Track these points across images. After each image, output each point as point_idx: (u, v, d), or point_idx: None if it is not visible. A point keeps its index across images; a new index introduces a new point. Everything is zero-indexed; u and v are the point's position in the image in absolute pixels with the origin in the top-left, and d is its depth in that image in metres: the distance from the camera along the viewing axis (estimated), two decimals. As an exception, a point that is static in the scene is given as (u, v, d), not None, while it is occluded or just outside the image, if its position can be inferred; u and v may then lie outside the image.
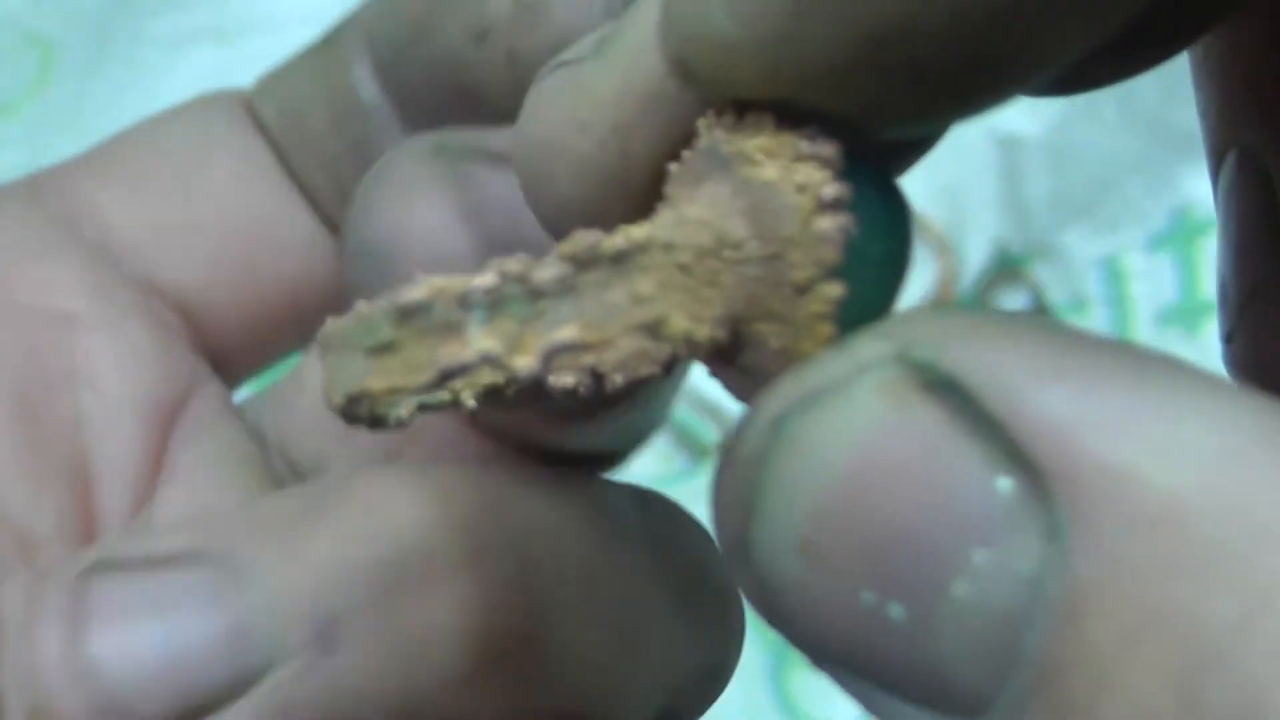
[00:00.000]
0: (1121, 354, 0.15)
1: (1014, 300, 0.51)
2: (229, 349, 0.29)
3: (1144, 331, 0.49)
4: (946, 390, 0.15)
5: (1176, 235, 0.50)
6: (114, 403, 0.27)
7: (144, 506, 0.26)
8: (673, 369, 0.19)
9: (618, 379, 0.19)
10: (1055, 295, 0.51)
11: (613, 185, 0.20)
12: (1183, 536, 0.14)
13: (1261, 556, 0.13)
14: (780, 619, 0.16)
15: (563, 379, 0.19)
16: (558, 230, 0.21)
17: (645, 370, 0.19)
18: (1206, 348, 0.49)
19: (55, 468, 0.26)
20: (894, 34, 0.16)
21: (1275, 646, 0.13)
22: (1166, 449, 0.14)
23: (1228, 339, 0.23)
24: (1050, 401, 0.14)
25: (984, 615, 0.14)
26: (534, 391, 0.17)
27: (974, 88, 0.17)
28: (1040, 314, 0.16)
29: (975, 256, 0.50)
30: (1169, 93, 0.49)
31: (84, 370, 0.27)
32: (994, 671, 0.15)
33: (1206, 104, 0.24)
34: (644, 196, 0.19)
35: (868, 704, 0.16)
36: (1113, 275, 0.50)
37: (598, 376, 0.19)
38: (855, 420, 0.15)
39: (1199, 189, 0.49)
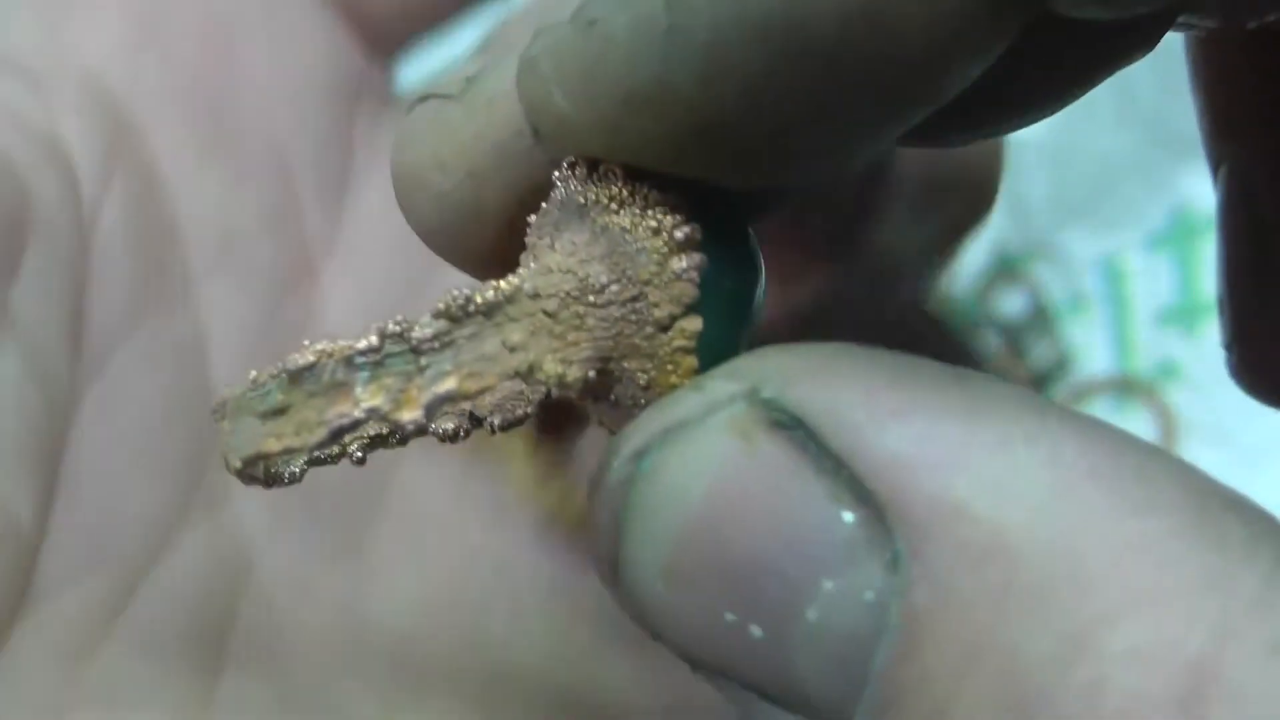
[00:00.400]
0: (962, 387, 0.15)
1: (1013, 300, 0.51)
2: (386, 26, 0.30)
3: (1143, 331, 0.49)
4: (792, 427, 0.16)
5: (1175, 235, 0.50)
6: (297, 92, 0.28)
7: (342, 195, 0.28)
8: (545, 408, 0.21)
9: (495, 421, 0.20)
10: (1054, 294, 0.51)
11: (470, 222, 0.21)
12: (1010, 573, 0.14)
13: (1082, 598, 0.14)
14: (654, 633, 0.17)
15: (444, 424, 0.20)
16: (430, 244, 0.22)
17: (520, 411, 0.20)
18: (1205, 347, 0.48)
19: (249, 163, 0.27)
20: (714, 130, 0.16)
21: (1089, 687, 0.14)
22: (997, 485, 0.15)
23: (1228, 347, 0.24)
24: (888, 439, 0.15)
25: (834, 638, 0.15)
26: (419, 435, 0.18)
27: (795, 174, 0.18)
28: (881, 348, 0.17)
29: (974, 256, 0.51)
30: (1168, 93, 0.49)
31: (261, 66, 0.28)
32: (847, 689, 0.15)
33: (1200, 115, 0.24)
34: (501, 232, 0.20)
35: (747, 706, 0.17)
36: (1112, 275, 0.50)
37: (476, 420, 0.20)
38: (708, 455, 0.16)
39: (1198, 189, 0.49)
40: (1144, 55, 0.18)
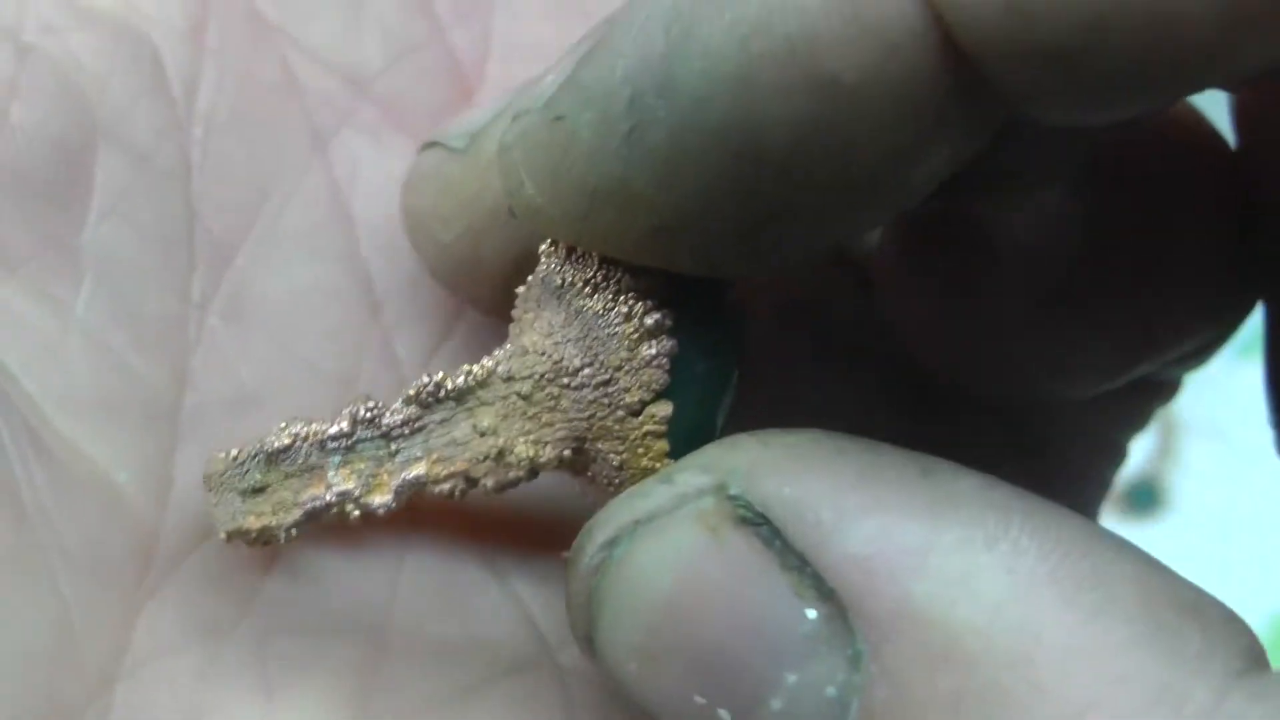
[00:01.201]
0: (928, 482, 0.16)
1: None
2: None
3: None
4: (758, 523, 0.16)
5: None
6: None
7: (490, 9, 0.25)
8: (537, 473, 0.21)
9: (489, 483, 0.21)
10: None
11: (469, 273, 0.21)
12: (965, 677, 0.15)
13: (1034, 705, 0.14)
14: (630, 705, 0.17)
15: (441, 486, 0.20)
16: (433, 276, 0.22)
17: (513, 475, 0.21)
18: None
19: None
20: (676, 230, 0.17)
21: None
22: (956, 588, 0.15)
23: (1275, 425, 0.24)
24: (850, 539, 0.15)
25: None
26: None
27: (758, 267, 0.18)
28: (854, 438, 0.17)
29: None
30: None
31: None
32: None
33: None
34: (499, 283, 0.20)
35: None
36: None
37: (471, 481, 0.21)
38: (676, 548, 0.16)
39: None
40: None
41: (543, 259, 0.19)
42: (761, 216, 0.16)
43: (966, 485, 0.16)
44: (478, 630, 0.21)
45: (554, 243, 0.18)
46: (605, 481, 0.18)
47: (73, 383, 0.19)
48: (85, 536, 0.18)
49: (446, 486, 0.20)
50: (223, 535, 0.19)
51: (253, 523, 0.18)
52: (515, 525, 0.21)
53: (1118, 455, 0.27)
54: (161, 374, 0.20)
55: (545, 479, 0.20)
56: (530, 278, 0.19)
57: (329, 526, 0.20)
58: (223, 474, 0.18)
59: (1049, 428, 0.26)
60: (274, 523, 0.18)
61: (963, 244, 0.23)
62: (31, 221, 0.19)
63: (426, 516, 0.21)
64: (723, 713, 0.16)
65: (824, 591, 0.15)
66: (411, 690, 0.20)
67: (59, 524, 0.18)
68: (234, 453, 0.18)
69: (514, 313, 0.19)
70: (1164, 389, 0.26)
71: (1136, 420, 0.27)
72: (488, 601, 0.21)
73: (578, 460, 0.18)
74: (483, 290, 0.21)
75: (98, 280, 0.20)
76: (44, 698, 0.17)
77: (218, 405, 0.20)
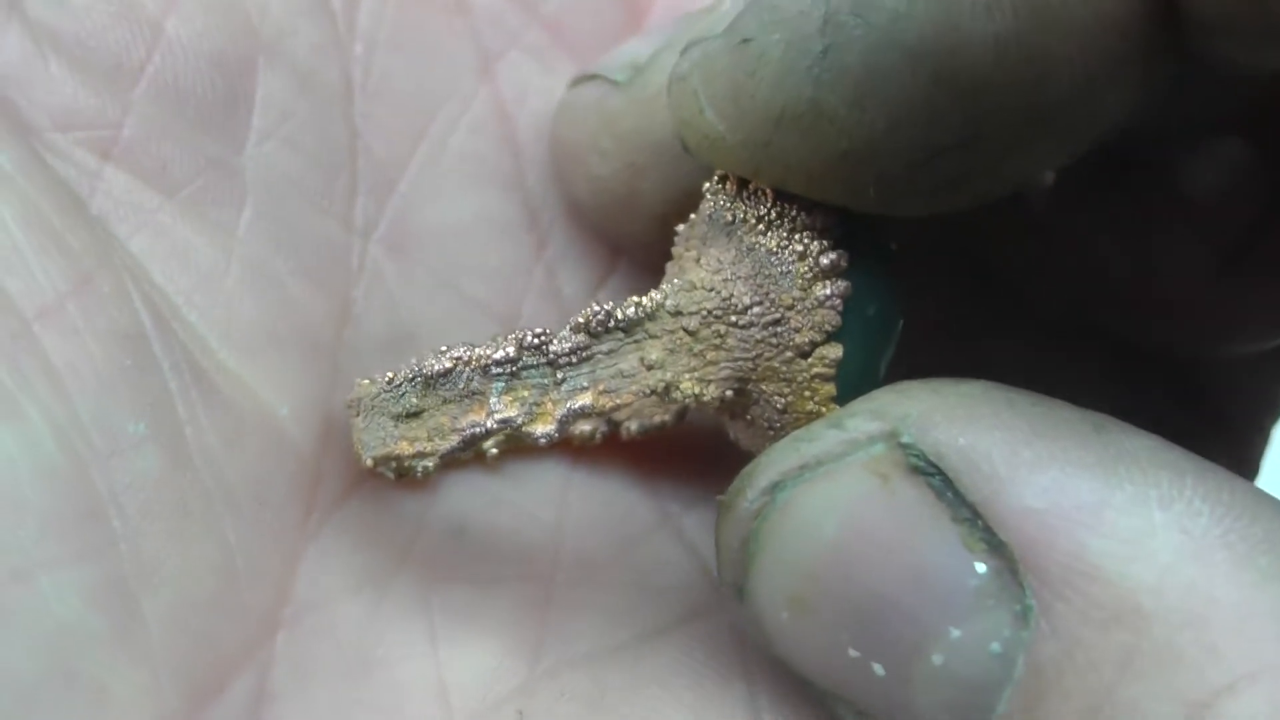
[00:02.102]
0: (1100, 439, 0.15)
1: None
2: None
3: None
4: (930, 473, 0.16)
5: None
6: None
7: None
8: (684, 417, 0.21)
9: (632, 427, 0.21)
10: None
11: (624, 209, 0.21)
12: (1137, 636, 0.14)
13: (1205, 667, 0.14)
14: (775, 655, 0.17)
15: (581, 426, 0.20)
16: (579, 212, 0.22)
17: (658, 419, 0.21)
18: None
19: None
20: (863, 154, 0.16)
21: None
22: (1131, 547, 0.14)
23: None
24: (1025, 492, 0.15)
25: (957, 684, 0.15)
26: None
27: (940, 201, 0.17)
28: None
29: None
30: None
31: None
32: None
33: None
34: (655, 223, 0.20)
35: None
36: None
37: (613, 424, 0.21)
38: (844, 495, 0.16)
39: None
40: None
41: (708, 196, 0.18)
42: (950, 143, 0.16)
43: (1139, 444, 0.15)
44: (650, 576, 0.20)
45: (722, 179, 0.18)
46: (766, 424, 0.18)
47: (235, 313, 0.19)
48: (249, 477, 0.18)
49: (589, 427, 0.20)
50: (368, 461, 0.18)
51: (405, 448, 0.18)
52: (683, 465, 0.21)
53: (1276, 409, 0.26)
54: (323, 305, 0.20)
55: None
56: (693, 215, 0.19)
57: (477, 467, 0.20)
58: (375, 397, 0.18)
59: (1211, 382, 0.25)
60: (429, 448, 0.18)
61: (1143, 193, 0.22)
62: (191, 141, 0.19)
63: (588, 457, 0.21)
64: (877, 667, 0.16)
65: (994, 544, 0.15)
66: (584, 639, 0.19)
67: (224, 465, 0.18)
68: (389, 375, 0.18)
69: (674, 250, 0.19)
70: None
71: None
72: (658, 546, 0.21)
73: (738, 401, 0.18)
74: (636, 227, 0.21)
75: (259, 204, 0.19)
76: (207, 646, 0.17)
77: (377, 341, 0.20)
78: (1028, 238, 0.24)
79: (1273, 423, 0.27)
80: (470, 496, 0.20)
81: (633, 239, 0.21)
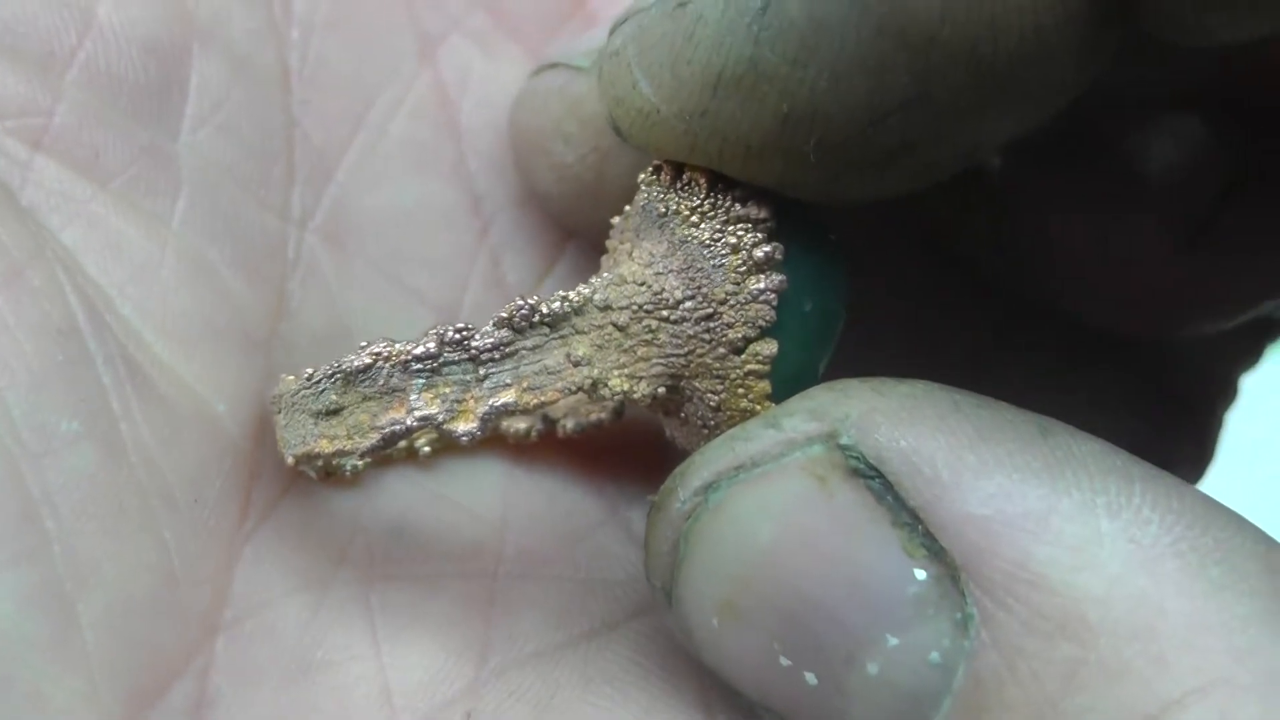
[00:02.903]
0: (1046, 443, 0.15)
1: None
2: None
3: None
4: (870, 476, 0.15)
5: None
6: None
7: None
8: (622, 414, 0.20)
9: (568, 425, 0.20)
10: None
11: (590, 196, 0.20)
12: (1083, 647, 0.14)
13: (1153, 680, 0.13)
14: (703, 662, 0.17)
15: (516, 424, 0.20)
16: (544, 207, 0.21)
17: (595, 417, 0.20)
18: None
19: None
20: (803, 116, 0.15)
21: None
22: (1077, 554, 0.14)
23: None
24: (969, 498, 0.14)
25: (894, 694, 0.15)
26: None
27: (884, 177, 0.16)
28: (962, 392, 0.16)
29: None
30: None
31: None
32: None
33: None
34: (619, 211, 0.19)
35: None
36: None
37: (549, 422, 0.20)
38: (780, 496, 0.15)
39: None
40: None
41: (642, 187, 0.18)
42: (896, 103, 0.15)
43: (1086, 449, 0.15)
44: (597, 571, 0.20)
45: (656, 169, 0.17)
46: (699, 423, 0.17)
47: (170, 306, 0.18)
48: (186, 475, 0.17)
49: (523, 425, 0.20)
50: (290, 459, 0.17)
51: (324, 446, 0.17)
52: (627, 461, 0.20)
53: (1232, 392, 0.26)
54: (259, 298, 0.19)
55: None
56: (627, 207, 0.18)
57: (414, 465, 0.19)
58: (295, 394, 0.17)
59: (1167, 365, 0.24)
60: (348, 446, 0.17)
61: (1100, 171, 0.22)
62: (124, 129, 0.18)
63: (529, 454, 0.20)
64: (809, 676, 0.15)
65: (935, 551, 0.15)
66: (531, 638, 0.19)
67: (160, 462, 0.17)
68: (309, 372, 0.17)
69: (609, 243, 0.18)
70: (1277, 326, 0.25)
71: (1250, 357, 0.26)
72: (605, 541, 0.20)
73: (671, 399, 0.17)
74: (603, 214, 0.20)
75: (194, 193, 0.19)
76: (145, 650, 0.17)
77: (313, 335, 0.19)
78: (983, 217, 0.23)
79: (1227, 405, 0.26)
80: (408, 494, 0.20)
81: (599, 228, 0.21)
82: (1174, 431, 0.25)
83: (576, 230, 0.21)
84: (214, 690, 0.17)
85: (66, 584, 0.16)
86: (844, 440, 0.15)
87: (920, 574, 0.15)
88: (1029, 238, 0.23)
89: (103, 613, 0.16)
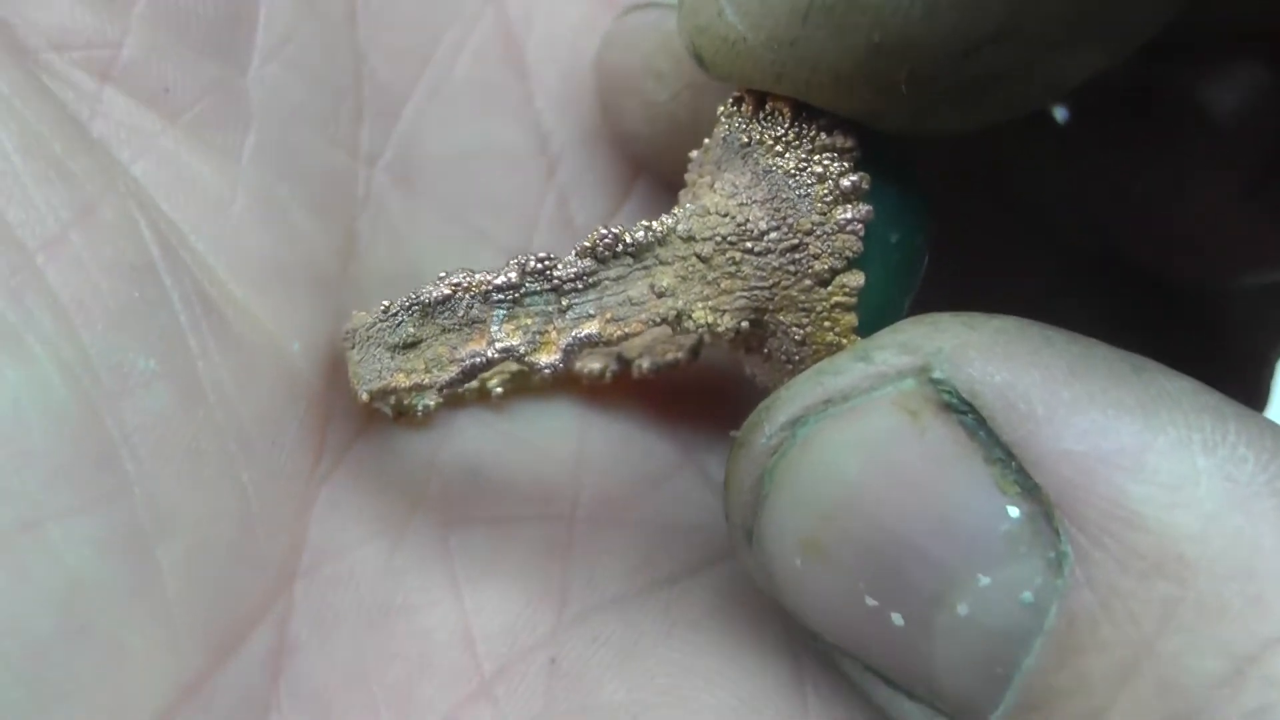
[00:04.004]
0: (1140, 381, 0.14)
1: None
2: None
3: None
4: (963, 411, 0.15)
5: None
6: None
7: None
8: (698, 354, 0.20)
9: (644, 365, 0.19)
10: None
11: (681, 134, 0.19)
12: (1180, 586, 0.14)
13: (1251, 619, 0.13)
14: (782, 603, 0.16)
15: (590, 364, 0.19)
16: (629, 149, 0.21)
17: (671, 357, 0.20)
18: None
19: None
20: (896, 46, 0.15)
21: (1254, 713, 0.13)
22: (1173, 493, 0.14)
23: None
24: (1064, 434, 0.14)
25: (983, 635, 0.15)
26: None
27: (974, 105, 0.16)
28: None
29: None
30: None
31: None
32: (989, 686, 0.15)
33: None
34: None
35: (863, 688, 0.17)
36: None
37: (624, 362, 0.20)
38: (871, 432, 0.15)
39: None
40: None
41: (723, 119, 0.17)
42: (989, 35, 0.15)
43: (1179, 386, 0.15)
44: (675, 516, 0.19)
45: (737, 100, 0.17)
46: (784, 357, 0.17)
47: (243, 244, 0.18)
48: (262, 416, 0.17)
49: (599, 366, 0.19)
50: (364, 395, 0.17)
51: (401, 380, 0.17)
52: (702, 406, 0.20)
53: None
54: (328, 238, 0.19)
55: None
56: (706, 140, 0.18)
57: (486, 407, 0.19)
58: (371, 327, 0.17)
59: (1223, 309, 0.24)
60: (426, 380, 0.17)
61: (1166, 118, 0.22)
62: (192, 63, 0.18)
63: (602, 397, 0.20)
64: (895, 616, 0.15)
65: (1029, 488, 0.14)
66: (611, 583, 0.18)
67: (236, 403, 0.17)
68: (385, 304, 0.17)
69: (687, 176, 0.18)
70: None
71: None
72: (683, 485, 0.20)
73: (754, 333, 0.17)
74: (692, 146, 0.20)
75: (263, 128, 0.18)
76: (224, 598, 0.16)
77: (382, 275, 0.19)
78: (1051, 164, 0.23)
79: (1278, 352, 0.26)
80: (482, 435, 0.19)
81: (682, 168, 0.20)
82: (1227, 377, 0.25)
83: (665, 173, 0.21)
84: (293, 637, 0.17)
85: (145, 529, 0.16)
86: (936, 374, 0.15)
87: (1013, 511, 0.14)
88: (1094, 183, 0.22)
89: (182, 559, 0.16)
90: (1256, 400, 0.25)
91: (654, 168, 0.21)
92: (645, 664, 0.18)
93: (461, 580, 0.18)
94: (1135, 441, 0.14)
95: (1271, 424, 0.15)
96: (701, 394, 0.20)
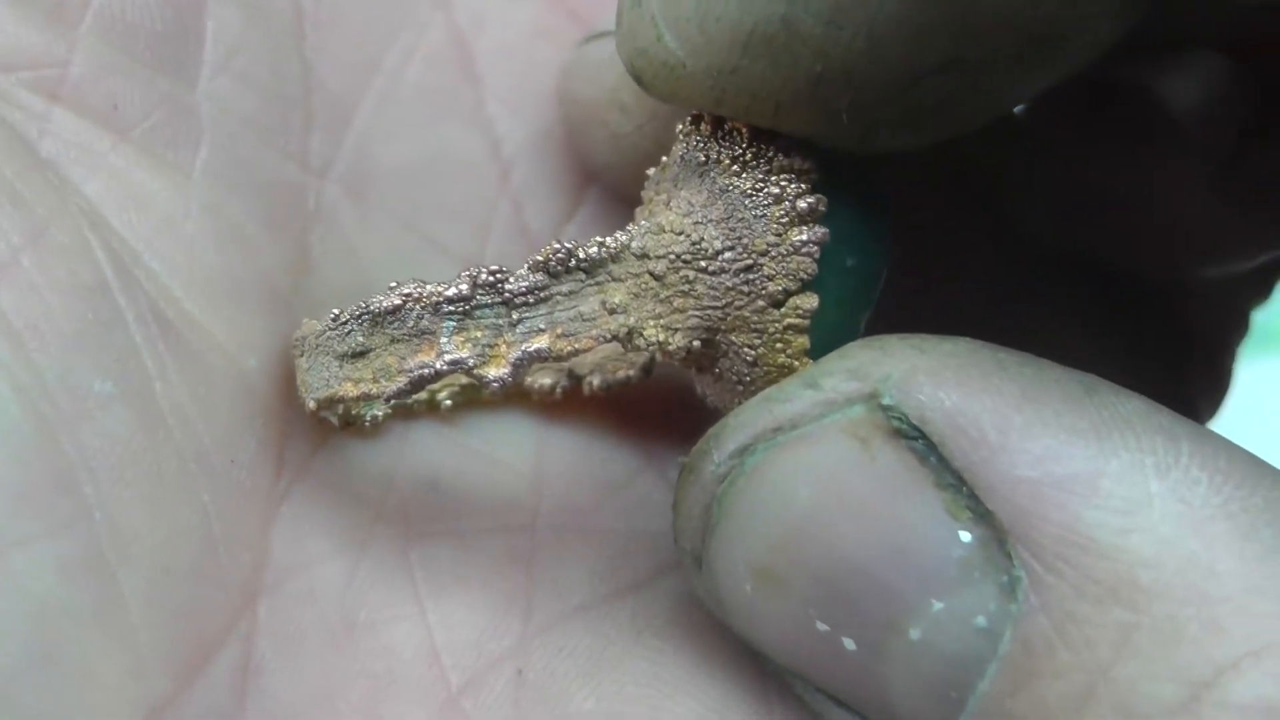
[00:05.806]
0: (1093, 403, 0.14)
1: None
2: None
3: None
4: (913, 437, 0.15)
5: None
6: None
7: None
8: (650, 372, 0.19)
9: (595, 382, 0.19)
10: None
11: (648, 163, 0.19)
12: (1135, 611, 0.13)
13: (1207, 644, 0.13)
14: (732, 627, 0.16)
15: (540, 379, 0.19)
16: (596, 177, 0.21)
17: (622, 375, 0.19)
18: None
19: None
20: (838, 76, 0.15)
21: None
22: (1127, 517, 0.14)
23: None
24: (1017, 461, 0.14)
25: (937, 660, 0.14)
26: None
27: (921, 129, 0.16)
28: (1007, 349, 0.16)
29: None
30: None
31: None
32: (943, 709, 0.15)
33: None
34: None
35: (815, 708, 0.16)
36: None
37: (575, 378, 0.19)
38: (820, 460, 0.15)
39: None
40: None
41: (681, 137, 0.17)
42: (932, 64, 0.15)
43: (1131, 407, 0.14)
44: (638, 521, 0.19)
45: (695, 119, 0.17)
46: (735, 378, 0.17)
47: (197, 261, 0.17)
48: (222, 436, 0.17)
49: (549, 381, 0.19)
50: (310, 404, 0.17)
51: (349, 390, 0.16)
52: (656, 419, 0.20)
53: (1244, 326, 0.26)
54: (282, 251, 0.18)
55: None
56: (664, 158, 0.17)
57: (441, 421, 0.19)
58: (320, 335, 0.17)
59: (1186, 302, 0.24)
60: (373, 390, 0.16)
61: (1129, 112, 0.21)
62: (143, 78, 0.18)
63: (559, 411, 0.20)
64: (848, 642, 0.15)
65: (980, 513, 0.14)
66: (576, 591, 0.18)
67: (196, 422, 0.17)
68: (335, 313, 0.17)
69: (644, 194, 0.18)
70: None
71: (1262, 291, 0.25)
72: (644, 489, 0.20)
73: (706, 353, 0.17)
74: None
75: (215, 142, 0.18)
76: (188, 619, 0.16)
77: (335, 289, 0.19)
78: (1013, 161, 0.23)
79: (1240, 339, 0.26)
80: (439, 449, 0.19)
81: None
82: (1190, 367, 0.25)
83: (632, 199, 0.20)
84: (259, 657, 0.17)
85: (108, 553, 0.15)
86: (886, 401, 0.15)
87: (965, 536, 0.14)
88: (1057, 178, 0.22)
89: (145, 582, 0.16)
90: (1218, 387, 0.25)
91: (621, 193, 0.20)
92: (613, 673, 0.18)
93: (425, 594, 0.18)
94: (1089, 467, 0.14)
95: (1225, 442, 0.14)
96: (660, 399, 0.20)
